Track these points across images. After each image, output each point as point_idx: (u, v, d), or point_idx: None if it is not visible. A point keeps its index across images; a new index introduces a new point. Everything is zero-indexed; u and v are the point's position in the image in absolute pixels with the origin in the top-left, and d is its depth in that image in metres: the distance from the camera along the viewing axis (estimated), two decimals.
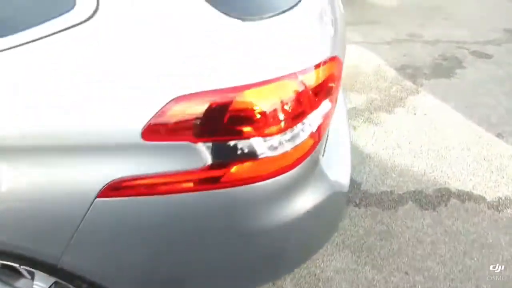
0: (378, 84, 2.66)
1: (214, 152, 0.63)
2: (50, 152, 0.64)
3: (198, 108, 0.59)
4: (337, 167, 1.01)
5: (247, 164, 0.65)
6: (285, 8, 0.67)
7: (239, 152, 0.63)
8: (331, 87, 0.74)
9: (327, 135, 0.97)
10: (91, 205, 0.66)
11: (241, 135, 0.62)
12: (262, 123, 0.62)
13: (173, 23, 0.59)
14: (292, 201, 0.74)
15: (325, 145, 0.96)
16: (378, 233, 1.58)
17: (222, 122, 0.60)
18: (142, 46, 0.59)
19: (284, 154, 0.66)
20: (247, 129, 0.61)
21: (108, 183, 0.64)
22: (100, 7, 0.57)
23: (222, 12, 0.59)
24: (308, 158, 0.72)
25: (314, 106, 0.68)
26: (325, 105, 0.73)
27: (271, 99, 0.62)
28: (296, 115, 0.65)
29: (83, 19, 0.58)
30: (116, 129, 0.60)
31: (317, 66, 0.68)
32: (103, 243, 0.74)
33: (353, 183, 1.81)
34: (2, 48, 0.59)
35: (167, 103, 0.58)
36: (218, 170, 0.64)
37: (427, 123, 2.22)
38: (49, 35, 0.58)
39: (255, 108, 0.61)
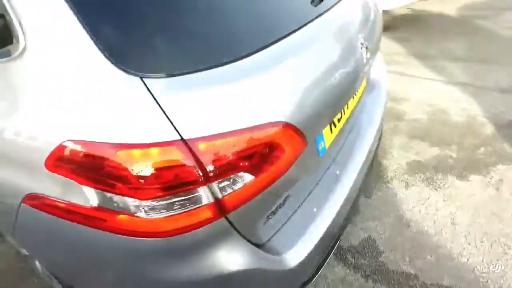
0: (463, 139, 2.18)
1: (98, 197, 0.65)
2: None
3: (82, 155, 0.62)
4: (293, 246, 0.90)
5: (125, 217, 0.64)
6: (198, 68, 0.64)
7: (115, 204, 0.63)
8: (241, 162, 0.66)
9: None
10: (19, 206, 0.77)
11: (114, 190, 0.62)
12: (134, 185, 0.60)
13: (74, 77, 0.63)
14: (155, 271, 0.71)
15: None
16: None
17: (100, 173, 0.62)
18: (49, 89, 0.65)
19: (160, 220, 0.63)
20: (119, 185, 0.61)
21: (26, 194, 0.74)
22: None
23: (120, 69, 0.60)
24: (207, 227, 0.67)
25: (207, 178, 0.63)
26: (232, 180, 0.66)
27: (146, 163, 0.60)
28: (174, 185, 0.61)
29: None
30: (30, 153, 0.69)
31: (215, 138, 0.62)
32: (30, 236, 0.87)
33: (373, 248, 1.56)
34: None
35: (59, 144, 0.63)
36: (102, 213, 0.66)
37: (508, 206, 1.71)
38: None
39: (128, 168, 0.60)
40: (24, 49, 0.65)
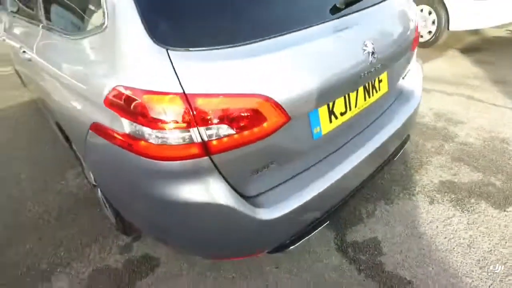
0: None
1: (129, 127, 0.96)
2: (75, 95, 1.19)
3: (124, 96, 0.94)
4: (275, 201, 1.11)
5: (142, 143, 0.94)
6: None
7: (137, 132, 0.94)
8: (225, 118, 0.91)
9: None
10: (87, 132, 1.15)
11: (137, 121, 0.92)
12: (149, 119, 0.89)
13: (130, 47, 0.95)
14: (155, 189, 1.00)
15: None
16: None
17: (131, 109, 0.93)
18: (113, 53, 0.99)
19: (163, 147, 0.91)
20: (141, 119, 0.91)
21: (92, 122, 1.10)
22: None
23: (157, 44, 0.91)
24: (190, 161, 0.94)
25: (198, 123, 0.89)
26: (218, 129, 0.91)
27: (159, 105, 0.88)
28: (174, 122, 0.88)
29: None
30: (98, 94, 1.04)
31: (209, 96, 0.87)
32: (92, 156, 1.26)
33: (375, 248, 1.62)
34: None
35: (113, 88, 0.97)
36: (130, 139, 0.97)
37: None
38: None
39: (147, 106, 0.89)
40: (106, 27, 1.00)
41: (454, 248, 1.60)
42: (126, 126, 0.96)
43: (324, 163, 1.27)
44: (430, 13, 3.66)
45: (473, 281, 1.45)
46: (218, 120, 0.91)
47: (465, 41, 4.18)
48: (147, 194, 1.04)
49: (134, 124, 0.93)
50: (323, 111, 1.17)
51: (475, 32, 4.46)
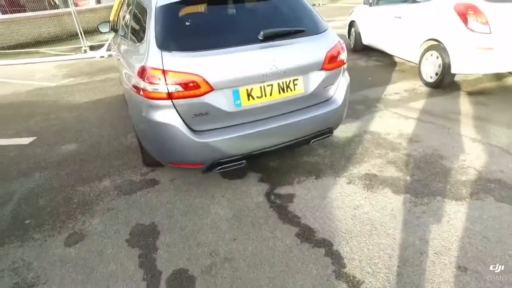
0: (424, 174, 2.52)
1: (137, 83, 2.07)
2: None
3: (142, 70, 2.07)
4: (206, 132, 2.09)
5: (141, 91, 2.03)
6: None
7: (139, 84, 2.03)
8: (180, 83, 1.93)
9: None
10: (129, 90, 2.32)
11: (145, 80, 2.00)
12: (143, 79, 1.98)
13: (146, 50, 2.09)
14: (148, 114, 2.06)
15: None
16: None
17: (144, 76, 2.04)
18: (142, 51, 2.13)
19: (152, 93, 1.97)
20: (140, 79, 2.01)
21: (132, 84, 2.26)
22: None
23: (158, 48, 2.01)
24: (162, 101, 1.98)
25: (167, 83, 1.93)
26: (175, 88, 1.95)
27: (151, 73, 1.96)
28: (155, 82, 1.94)
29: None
30: (135, 69, 2.17)
31: (175, 72, 1.92)
32: (130, 106, 2.43)
33: (285, 203, 2.38)
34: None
35: (140, 67, 2.08)
36: (142, 91, 2.06)
37: None
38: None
39: (147, 72, 1.97)
40: (144, 41, 2.16)
41: (343, 207, 2.27)
42: (141, 84, 2.06)
43: (244, 125, 2.18)
44: (437, 57, 4.17)
45: (345, 225, 2.11)
46: (176, 83, 1.94)
47: (480, 85, 4.47)
48: (144, 118, 2.11)
49: (144, 83, 2.03)
50: (243, 91, 2.11)
51: (498, 76, 4.67)
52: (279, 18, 2.39)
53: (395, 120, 3.55)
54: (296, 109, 2.36)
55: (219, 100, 2.07)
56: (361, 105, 4.00)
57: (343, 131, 3.34)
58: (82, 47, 8.55)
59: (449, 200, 2.27)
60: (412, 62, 4.88)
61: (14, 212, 2.46)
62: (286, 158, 2.91)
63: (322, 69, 2.34)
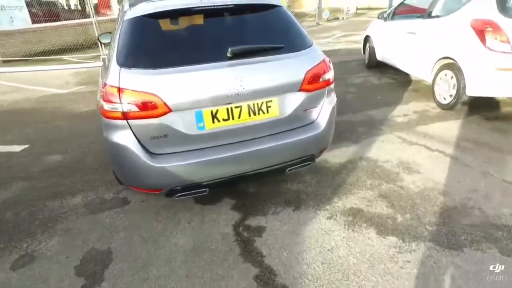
0: (412, 208, 2.19)
1: (101, 102, 1.94)
2: None
3: (103, 86, 1.93)
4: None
5: (103, 109, 1.90)
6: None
7: (102, 104, 1.89)
8: (135, 103, 1.78)
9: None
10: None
11: (103, 98, 1.87)
12: (103, 97, 1.84)
13: (110, 65, 1.96)
14: (106, 134, 1.92)
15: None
16: None
17: (102, 92, 1.90)
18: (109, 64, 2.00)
19: (109, 111, 1.83)
20: (104, 97, 1.88)
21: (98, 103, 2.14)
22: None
23: (118, 65, 1.87)
24: (118, 120, 1.83)
25: (122, 102, 1.79)
26: (130, 107, 1.79)
27: (108, 89, 1.82)
28: (111, 100, 1.80)
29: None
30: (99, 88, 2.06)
31: (130, 90, 1.77)
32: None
33: (253, 236, 2.14)
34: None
35: (102, 83, 1.96)
36: (101, 109, 1.94)
37: None
38: None
39: (105, 90, 1.84)
40: (109, 57, 2.04)
41: (315, 247, 2.00)
42: (101, 101, 1.93)
43: (208, 149, 1.99)
44: (452, 77, 3.80)
45: (312, 271, 1.85)
46: (131, 103, 1.79)
47: (499, 109, 4.01)
48: (104, 137, 1.98)
49: (102, 101, 1.89)
50: (206, 113, 1.92)
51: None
52: (254, 34, 2.19)
53: (398, 145, 3.22)
54: (271, 134, 2.14)
55: (179, 122, 1.89)
56: (363, 126, 3.70)
57: (337, 156, 3.06)
58: (100, 55, 8.80)
59: (442, 248, 1.94)
60: (426, 81, 4.52)
61: None
62: (266, 184, 2.67)
63: (301, 90, 2.11)
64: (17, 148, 3.69)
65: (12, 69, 8.52)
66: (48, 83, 6.92)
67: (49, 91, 6.25)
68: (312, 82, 2.14)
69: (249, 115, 2.02)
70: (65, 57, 9.65)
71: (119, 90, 1.81)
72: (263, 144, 2.07)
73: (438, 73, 4.07)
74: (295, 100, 2.13)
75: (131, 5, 2.20)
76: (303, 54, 2.16)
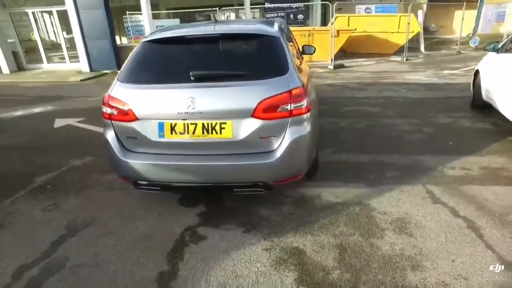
0: None
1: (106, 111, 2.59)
2: None
3: (106, 97, 2.57)
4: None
5: (103, 111, 2.52)
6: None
7: (102, 108, 2.53)
8: (115, 108, 2.31)
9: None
10: None
11: (103, 104, 2.50)
12: (105, 103, 2.45)
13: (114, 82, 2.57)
14: (105, 130, 2.50)
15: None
16: None
17: (103, 100, 2.53)
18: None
19: (104, 113, 2.44)
20: (104, 103, 2.50)
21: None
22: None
23: (118, 80, 2.44)
24: (107, 120, 2.41)
25: (107, 106, 2.35)
26: (112, 111, 2.34)
27: (107, 96, 2.42)
28: (108, 104, 2.39)
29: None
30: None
31: (118, 99, 2.31)
32: None
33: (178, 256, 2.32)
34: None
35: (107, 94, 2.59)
36: (104, 113, 2.58)
37: None
38: None
39: (105, 98, 2.46)
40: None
41: (227, 269, 2.04)
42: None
43: (165, 155, 2.33)
44: None
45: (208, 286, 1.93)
46: (113, 107, 2.34)
47: None
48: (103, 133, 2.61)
49: (103, 106, 2.52)
50: (167, 125, 2.27)
51: None
52: (229, 61, 2.41)
53: (417, 200, 2.68)
54: (222, 154, 2.30)
55: (145, 129, 2.31)
56: (395, 171, 3.20)
57: (335, 195, 2.82)
58: None
59: None
60: None
61: None
62: (243, 201, 2.75)
63: (254, 117, 2.19)
64: None
65: None
66: None
67: None
68: (269, 111, 2.18)
69: (203, 133, 2.25)
70: None
71: (109, 96, 2.39)
72: (211, 161, 2.27)
73: None
74: (249, 126, 2.21)
75: (149, 33, 2.79)
76: (266, 83, 2.22)
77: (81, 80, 9.65)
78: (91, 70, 10.93)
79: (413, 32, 11.44)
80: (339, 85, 7.39)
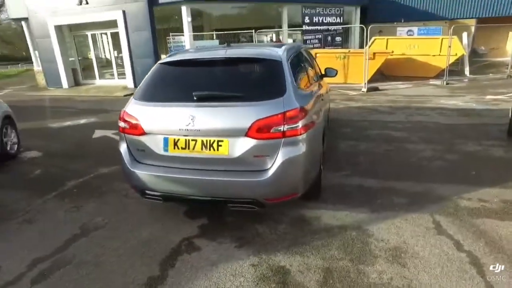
0: None
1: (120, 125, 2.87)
2: None
3: (122, 113, 2.85)
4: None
5: (120, 126, 2.81)
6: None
7: (119, 122, 2.81)
8: (127, 123, 2.58)
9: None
10: None
11: (120, 118, 2.78)
12: (121, 120, 2.74)
13: (131, 101, 2.84)
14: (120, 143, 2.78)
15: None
16: None
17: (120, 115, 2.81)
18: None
19: (124, 128, 2.72)
20: (120, 117, 2.78)
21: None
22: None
23: (134, 98, 2.71)
24: (121, 134, 2.68)
25: (122, 121, 2.63)
26: (123, 125, 2.61)
27: (122, 114, 2.70)
28: (124, 119, 2.67)
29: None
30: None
31: (131, 115, 2.58)
32: None
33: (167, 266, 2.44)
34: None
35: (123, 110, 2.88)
36: (120, 128, 2.86)
37: None
38: None
39: (122, 114, 2.73)
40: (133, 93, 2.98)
41: (211, 280, 2.12)
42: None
43: (168, 168, 2.51)
44: None
45: None
46: (126, 122, 2.60)
47: None
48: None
49: (119, 120, 2.81)
50: (171, 140, 2.47)
51: None
52: (231, 83, 2.58)
53: (420, 230, 2.56)
54: (219, 170, 2.43)
55: (152, 143, 2.54)
56: (403, 198, 3.08)
57: (335, 218, 2.80)
58: None
59: None
60: None
61: None
62: (244, 217, 2.83)
63: (248, 136, 2.30)
64: None
65: None
66: None
67: None
68: (262, 132, 2.29)
69: (202, 149, 2.41)
70: None
71: (124, 112, 2.66)
72: (208, 176, 2.41)
73: None
74: (244, 144, 2.33)
75: (167, 55, 3.06)
76: (261, 104, 2.34)
77: (124, 96, 10.50)
78: (135, 86, 11.87)
79: (456, 55, 10.94)
80: (368, 108, 7.26)
